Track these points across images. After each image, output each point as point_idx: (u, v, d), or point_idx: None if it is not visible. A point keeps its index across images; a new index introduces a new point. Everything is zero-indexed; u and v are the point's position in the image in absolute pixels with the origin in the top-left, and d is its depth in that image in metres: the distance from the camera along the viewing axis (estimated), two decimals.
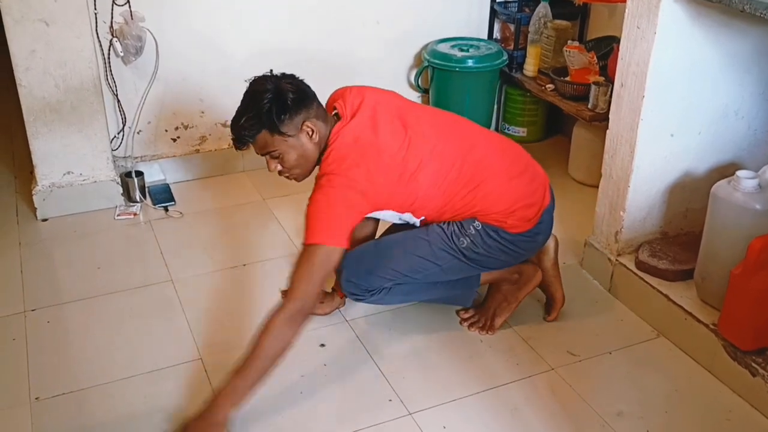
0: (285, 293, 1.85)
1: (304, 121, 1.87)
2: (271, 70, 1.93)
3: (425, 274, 2.05)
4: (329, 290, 2.26)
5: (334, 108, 1.99)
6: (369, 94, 2.01)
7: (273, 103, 1.84)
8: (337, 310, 2.26)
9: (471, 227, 2.01)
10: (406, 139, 1.93)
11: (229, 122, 3.03)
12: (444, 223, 2.02)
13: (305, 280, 1.80)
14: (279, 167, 1.93)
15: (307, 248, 1.81)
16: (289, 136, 1.86)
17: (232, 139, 1.91)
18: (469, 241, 2.01)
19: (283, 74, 1.92)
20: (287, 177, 1.98)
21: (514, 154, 2.08)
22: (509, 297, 2.18)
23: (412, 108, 2.08)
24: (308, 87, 1.93)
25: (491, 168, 2.00)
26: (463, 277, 2.12)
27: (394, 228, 2.21)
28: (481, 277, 2.16)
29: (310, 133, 1.89)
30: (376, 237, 2.29)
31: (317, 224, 1.82)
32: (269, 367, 1.78)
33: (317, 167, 1.96)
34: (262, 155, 1.92)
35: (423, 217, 2.03)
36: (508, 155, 2.06)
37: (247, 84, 1.92)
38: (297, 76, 1.94)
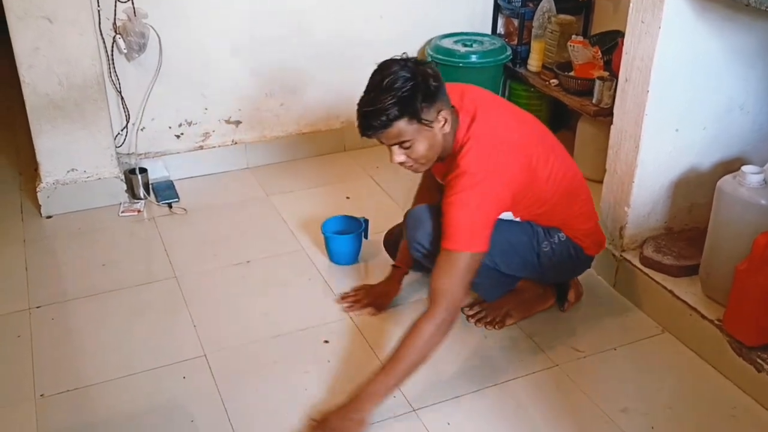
0: (429, 299, 1.80)
1: (440, 111, 1.80)
2: (404, 53, 1.84)
3: (496, 258, 1.99)
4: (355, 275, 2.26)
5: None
6: (477, 91, 1.97)
7: (416, 89, 1.74)
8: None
9: (557, 236, 2.04)
10: (530, 138, 1.92)
11: (232, 119, 3.08)
12: (534, 223, 2.03)
13: (453, 287, 1.77)
14: (403, 158, 1.84)
15: (452, 254, 1.78)
16: (427, 125, 1.78)
17: (362, 125, 1.80)
18: (550, 248, 2.03)
19: (415, 59, 1.82)
20: (408, 167, 1.89)
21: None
22: (526, 306, 2.19)
23: (518, 109, 2.08)
24: (438, 72, 1.83)
25: (585, 185, 2.07)
26: (508, 275, 2.10)
27: None
28: (516, 283, 2.17)
29: (443, 123, 1.81)
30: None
31: (462, 230, 1.78)
32: (413, 371, 1.77)
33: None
34: (390, 145, 1.82)
35: (519, 217, 2.01)
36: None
37: (378, 66, 1.81)
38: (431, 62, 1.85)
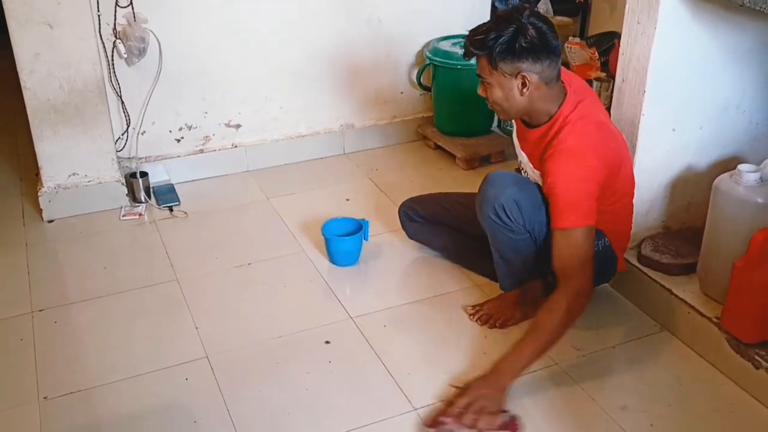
0: (569, 281, 1.86)
1: (521, 71, 1.87)
2: (533, 6, 1.93)
3: (537, 236, 2.03)
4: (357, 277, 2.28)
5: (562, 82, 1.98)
6: (585, 85, 2.07)
7: (504, 39, 1.84)
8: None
9: (604, 239, 2.06)
10: (621, 138, 2.03)
11: (232, 122, 3.09)
12: None
13: (580, 263, 1.85)
14: (484, 93, 1.96)
15: (567, 233, 1.86)
16: (502, 75, 1.88)
17: (464, 45, 1.94)
18: (597, 249, 1.99)
19: (542, 17, 1.91)
20: (488, 103, 1.99)
21: None
22: (530, 309, 2.18)
23: None
24: (555, 44, 1.89)
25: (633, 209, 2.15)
26: (535, 265, 2.10)
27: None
28: (537, 278, 2.16)
29: (521, 85, 1.89)
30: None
31: (572, 207, 1.85)
32: (552, 345, 1.86)
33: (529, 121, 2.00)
34: (477, 76, 1.95)
35: None
36: None
37: (513, 6, 1.94)
38: (553, 27, 1.91)
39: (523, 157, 2.12)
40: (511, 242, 2.05)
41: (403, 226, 2.51)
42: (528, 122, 2.02)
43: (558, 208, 1.87)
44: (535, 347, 1.84)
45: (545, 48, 1.86)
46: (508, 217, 1.99)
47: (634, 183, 2.12)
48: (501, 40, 1.84)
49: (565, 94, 1.96)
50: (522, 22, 1.84)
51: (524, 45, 1.84)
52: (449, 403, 1.82)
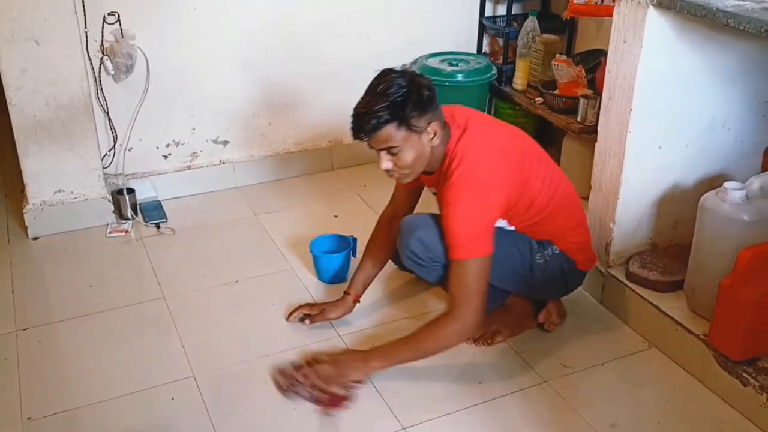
0: (453, 310, 1.87)
1: (431, 122, 1.86)
2: (404, 64, 1.91)
3: (492, 269, 2.00)
4: (341, 294, 2.27)
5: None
6: (466, 109, 2.04)
7: (408, 97, 1.81)
8: (345, 316, 2.25)
9: (550, 248, 2.07)
10: (520, 144, 2.00)
11: (220, 139, 3.08)
12: (528, 235, 2.06)
13: (469, 294, 1.84)
14: (390, 165, 1.90)
15: (462, 264, 1.85)
16: (415, 133, 1.84)
17: (354, 127, 1.87)
18: (544, 261, 2.06)
19: (413, 71, 1.90)
20: (394, 176, 1.95)
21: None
22: (516, 323, 2.21)
23: (509, 125, 2.15)
24: (432, 83, 1.90)
25: (578, 200, 2.11)
26: (498, 290, 2.10)
27: None
28: (505, 299, 2.19)
29: (432, 135, 1.87)
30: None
31: (465, 239, 1.85)
32: (418, 359, 1.92)
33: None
34: (379, 150, 1.88)
35: (514, 227, 2.05)
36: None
37: (377, 74, 1.88)
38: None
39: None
40: (442, 277, 2.08)
41: (394, 262, 2.43)
42: (428, 171, 1.98)
43: (451, 241, 1.87)
44: (407, 352, 1.90)
45: (435, 92, 1.88)
46: (421, 258, 2.03)
47: (560, 181, 2.06)
48: (408, 100, 1.80)
49: (449, 129, 1.94)
50: (407, 78, 1.83)
51: (427, 94, 1.84)
52: (313, 359, 1.86)
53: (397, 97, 1.80)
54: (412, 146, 1.86)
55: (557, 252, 2.08)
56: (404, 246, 2.06)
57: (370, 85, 1.88)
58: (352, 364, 1.86)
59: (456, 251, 1.86)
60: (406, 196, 2.27)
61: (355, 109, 1.87)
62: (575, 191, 2.13)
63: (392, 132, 1.82)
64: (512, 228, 2.05)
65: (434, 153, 1.91)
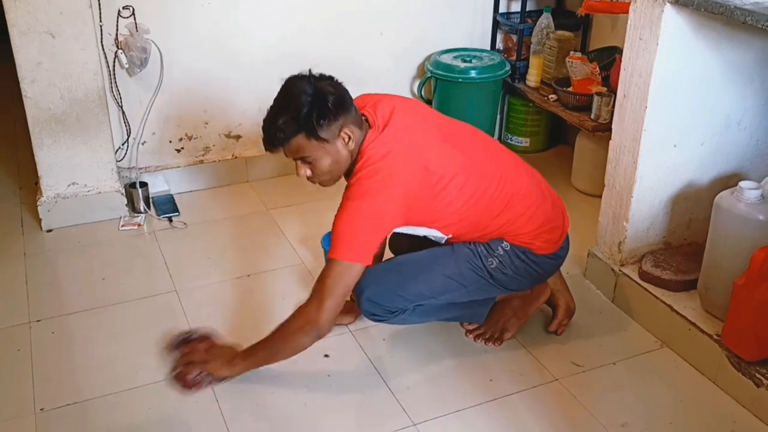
0: (304, 304, 1.85)
1: (342, 128, 1.80)
2: (310, 70, 1.86)
3: (449, 295, 2.02)
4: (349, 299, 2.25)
5: (363, 115, 1.91)
6: (399, 104, 1.96)
7: (313, 106, 1.76)
8: (357, 320, 2.25)
9: (499, 248, 1.99)
10: (444, 151, 1.89)
11: (232, 133, 3.09)
12: (471, 243, 1.99)
13: (326, 295, 1.80)
14: (309, 173, 1.87)
15: (331, 262, 1.80)
16: (326, 141, 1.79)
17: (264, 139, 1.84)
18: (497, 261, 1.99)
19: (321, 75, 1.85)
20: (315, 183, 1.92)
21: (537, 178, 2.08)
22: (519, 312, 2.18)
23: (448, 120, 2.05)
24: (347, 91, 1.86)
25: (522, 189, 1.98)
26: (475, 300, 2.10)
27: (414, 244, 2.12)
28: (494, 299, 2.16)
29: (347, 140, 1.82)
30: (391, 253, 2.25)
31: (343, 240, 1.79)
32: (272, 361, 1.92)
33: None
34: (294, 159, 1.86)
35: (450, 235, 1.99)
36: (534, 179, 2.06)
37: (283, 81, 1.84)
38: (335, 78, 1.87)
39: None
40: (422, 316, 2.08)
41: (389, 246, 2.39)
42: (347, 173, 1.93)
43: (333, 238, 1.81)
44: (262, 357, 1.91)
45: (346, 94, 1.84)
46: (379, 315, 2.02)
47: (501, 174, 1.95)
48: (313, 109, 1.76)
49: (369, 128, 1.88)
50: (311, 86, 1.79)
51: (333, 101, 1.79)
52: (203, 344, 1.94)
53: (302, 109, 1.76)
54: (327, 153, 1.82)
55: (507, 248, 1.99)
56: (363, 312, 2.04)
57: (277, 94, 1.84)
58: (221, 360, 1.89)
59: (332, 249, 1.80)
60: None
61: (264, 121, 1.83)
62: (518, 179, 1.99)
63: (302, 143, 1.79)
64: (449, 236, 1.98)
65: (353, 154, 1.86)
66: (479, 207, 1.92)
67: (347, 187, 1.85)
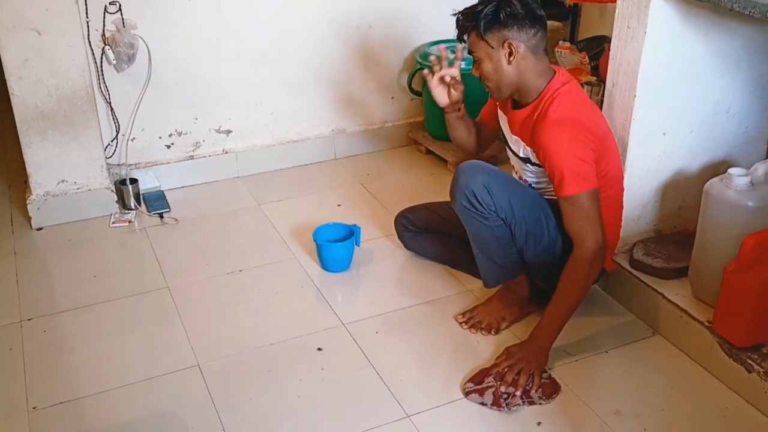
0: (577, 249, 1.92)
1: (507, 39, 1.94)
2: None
3: (532, 227, 2.02)
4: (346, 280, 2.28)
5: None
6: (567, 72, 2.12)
7: (490, 10, 1.93)
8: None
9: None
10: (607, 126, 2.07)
11: (222, 128, 3.08)
12: None
13: (589, 223, 1.89)
14: (477, 72, 2.04)
15: (575, 198, 1.89)
16: (490, 46, 1.96)
17: (456, 24, 2.04)
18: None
19: None
20: (487, 88, 2.06)
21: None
22: (519, 308, 2.20)
23: None
24: (539, 14, 1.98)
25: (621, 201, 2.17)
26: (518, 263, 2.11)
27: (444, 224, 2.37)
28: (520, 275, 2.17)
29: (508, 53, 1.96)
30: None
31: (575, 173, 1.88)
32: (578, 303, 1.97)
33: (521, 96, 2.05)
34: (469, 53, 2.05)
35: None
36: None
37: None
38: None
39: (514, 143, 2.12)
40: (486, 230, 2.03)
41: (399, 237, 2.51)
42: (518, 101, 2.07)
43: (557, 177, 1.90)
44: (563, 309, 1.96)
45: (529, 16, 1.95)
46: (480, 203, 1.98)
47: (622, 174, 2.12)
48: (486, 10, 1.93)
49: (554, 72, 2.03)
50: (519, 1, 1.94)
51: (508, 13, 1.93)
52: (493, 366, 1.98)
53: (482, 7, 1.95)
54: (489, 58, 1.98)
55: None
56: (464, 186, 1.99)
57: None
58: (532, 355, 1.96)
59: (567, 187, 1.89)
60: (481, 126, 2.38)
61: (462, 9, 2.04)
62: (623, 191, 2.15)
63: (473, 39, 1.99)
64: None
65: (522, 78, 1.99)
66: (614, 188, 2.08)
67: (547, 124, 1.92)
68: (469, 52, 2.05)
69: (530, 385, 1.92)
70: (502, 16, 1.93)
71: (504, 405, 1.89)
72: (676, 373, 2.02)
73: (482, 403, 1.90)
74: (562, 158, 1.89)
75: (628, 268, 2.24)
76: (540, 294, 2.21)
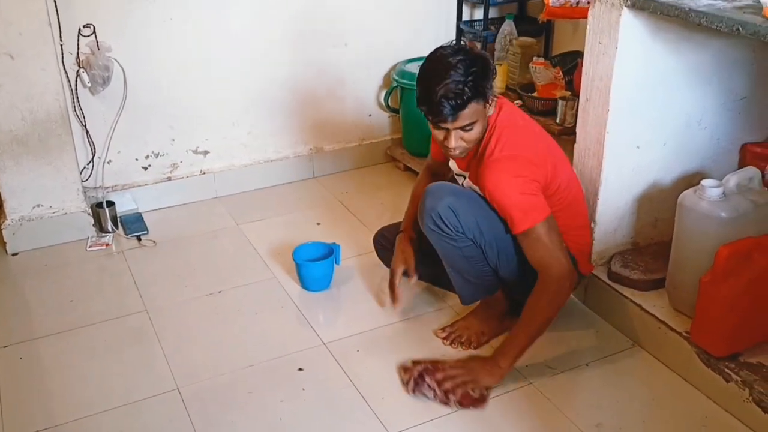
0: (541, 278, 1.92)
1: (494, 93, 1.93)
2: (452, 41, 1.98)
3: (503, 251, 2.02)
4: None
5: None
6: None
7: (485, 70, 1.87)
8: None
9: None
10: (547, 137, 2.08)
11: (199, 149, 3.07)
12: None
13: (550, 252, 1.90)
14: (462, 143, 1.93)
15: (529, 232, 1.89)
16: (487, 103, 1.91)
17: (438, 111, 1.85)
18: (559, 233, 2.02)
19: (462, 44, 1.97)
20: (454, 152, 1.96)
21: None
22: (498, 322, 2.20)
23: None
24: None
25: (584, 202, 2.16)
26: (494, 280, 2.12)
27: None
28: (496, 290, 2.17)
29: (491, 102, 1.93)
30: None
31: (526, 207, 1.89)
32: (543, 327, 1.95)
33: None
34: (454, 129, 1.89)
35: None
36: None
37: (437, 55, 1.89)
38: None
39: (463, 178, 2.13)
40: (455, 251, 2.04)
41: (378, 255, 2.49)
42: None
43: (507, 216, 1.91)
44: (524, 335, 1.95)
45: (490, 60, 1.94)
46: (446, 225, 1.98)
47: (575, 176, 2.14)
48: (483, 73, 1.86)
49: None
50: (467, 51, 1.88)
51: (487, 65, 1.90)
52: (449, 366, 1.99)
53: (479, 72, 1.85)
54: (483, 118, 1.92)
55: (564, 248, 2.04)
56: (429, 209, 1.99)
57: (439, 65, 1.86)
58: (483, 370, 1.96)
59: (519, 224, 1.90)
60: (435, 166, 2.33)
61: (435, 94, 1.83)
62: (583, 193, 2.16)
63: (474, 107, 1.87)
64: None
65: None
66: (570, 200, 2.07)
67: (486, 165, 1.91)
68: (454, 128, 1.90)
69: (459, 398, 1.93)
70: (491, 69, 1.89)
71: (413, 389, 1.97)
72: (656, 384, 2.03)
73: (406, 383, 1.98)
74: (507, 198, 1.90)
75: (606, 280, 2.26)
76: (520, 308, 2.21)
